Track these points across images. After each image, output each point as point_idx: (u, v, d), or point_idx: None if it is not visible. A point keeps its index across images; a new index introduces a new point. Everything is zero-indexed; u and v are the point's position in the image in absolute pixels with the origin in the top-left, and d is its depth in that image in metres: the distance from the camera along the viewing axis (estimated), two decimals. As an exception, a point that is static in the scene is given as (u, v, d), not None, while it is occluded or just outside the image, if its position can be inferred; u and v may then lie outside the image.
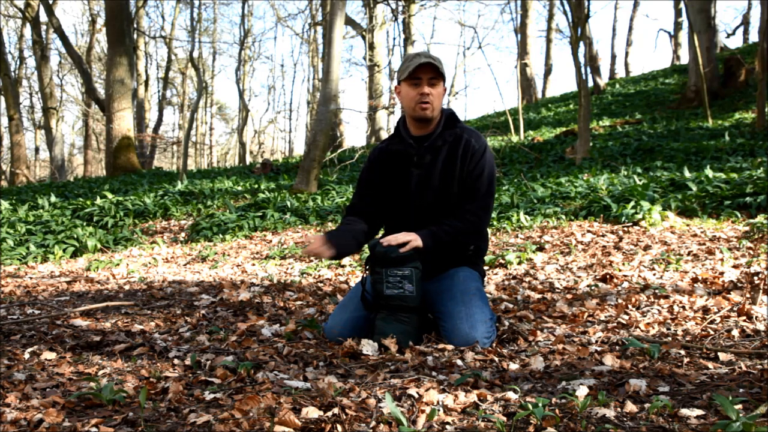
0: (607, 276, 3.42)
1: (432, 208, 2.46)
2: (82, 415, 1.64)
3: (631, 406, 1.56)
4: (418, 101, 2.38)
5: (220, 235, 6.60)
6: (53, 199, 9.40)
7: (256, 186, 10.02)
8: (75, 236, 6.57)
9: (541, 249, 4.51)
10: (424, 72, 2.37)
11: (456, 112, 2.54)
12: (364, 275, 2.45)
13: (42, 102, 22.17)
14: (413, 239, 2.32)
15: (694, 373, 1.84)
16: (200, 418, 1.56)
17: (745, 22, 26.01)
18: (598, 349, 2.15)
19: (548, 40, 25.74)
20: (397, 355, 2.17)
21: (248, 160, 22.85)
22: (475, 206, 2.42)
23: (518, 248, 4.54)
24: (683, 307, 2.65)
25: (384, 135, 18.69)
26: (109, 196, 9.28)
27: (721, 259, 3.63)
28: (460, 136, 2.45)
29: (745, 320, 2.39)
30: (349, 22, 18.81)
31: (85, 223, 7.70)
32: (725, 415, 1.42)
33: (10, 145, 20.19)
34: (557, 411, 1.55)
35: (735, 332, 2.25)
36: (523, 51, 21.51)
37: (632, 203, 5.36)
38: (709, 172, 6.55)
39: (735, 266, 3.42)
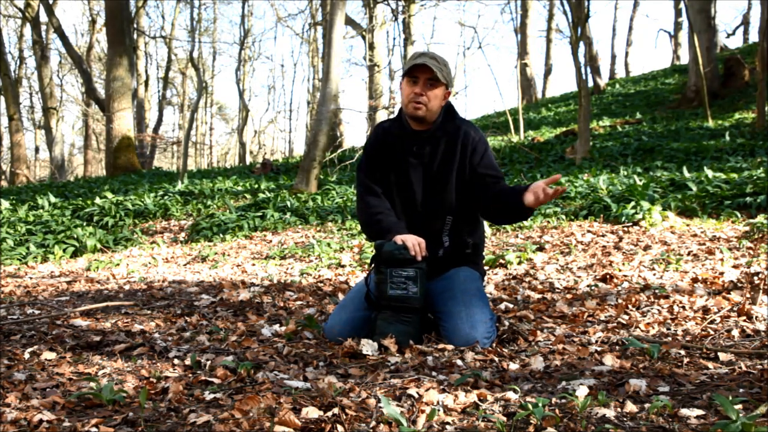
0: (607, 276, 3.42)
1: (431, 197, 2.47)
2: (82, 415, 1.64)
3: (631, 406, 1.56)
4: (412, 99, 2.39)
5: (220, 235, 6.60)
6: (53, 199, 9.40)
7: (256, 186, 10.01)
8: (75, 236, 6.56)
9: (541, 249, 4.51)
10: (421, 72, 2.37)
11: (454, 106, 2.55)
12: (369, 273, 2.44)
13: (42, 102, 22.15)
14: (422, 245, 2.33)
15: (694, 373, 1.84)
16: (200, 418, 1.56)
17: (745, 22, 26.02)
18: (598, 349, 2.15)
19: (548, 40, 25.73)
20: (397, 355, 2.17)
21: (248, 160, 22.83)
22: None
23: (518, 248, 4.54)
24: (683, 307, 2.65)
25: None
26: (109, 196, 9.28)
27: (721, 259, 3.62)
28: (459, 127, 2.46)
29: (745, 320, 2.39)
30: (349, 22, 18.80)
31: (85, 223, 7.70)
32: (725, 415, 1.42)
33: (10, 145, 20.18)
34: (557, 411, 1.55)
35: (735, 332, 2.25)
36: (523, 51, 21.50)
37: (632, 203, 5.36)
38: (709, 172, 6.55)
39: (735, 266, 3.42)
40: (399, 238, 2.32)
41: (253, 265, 4.99)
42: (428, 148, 2.46)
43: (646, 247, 4.20)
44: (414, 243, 2.30)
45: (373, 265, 2.36)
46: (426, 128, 2.47)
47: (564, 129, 14.10)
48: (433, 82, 2.38)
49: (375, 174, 2.54)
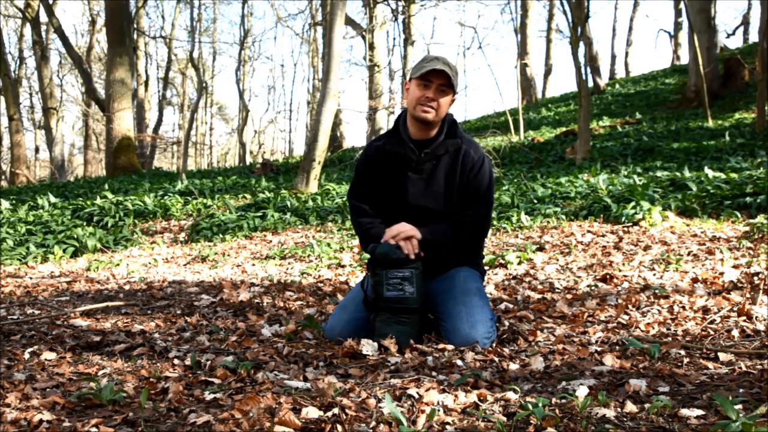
0: (607, 276, 3.42)
1: (432, 214, 2.46)
2: (82, 415, 1.64)
3: (631, 406, 1.56)
4: (421, 102, 2.38)
5: (220, 236, 6.60)
6: (53, 199, 9.40)
7: (256, 186, 10.02)
8: (75, 236, 6.56)
9: (541, 249, 4.51)
10: (436, 77, 2.35)
11: (456, 118, 2.54)
12: (365, 277, 2.44)
13: (42, 102, 22.17)
14: (412, 234, 2.33)
15: (694, 373, 1.84)
16: (200, 419, 1.56)
17: (745, 22, 25.99)
18: (598, 349, 2.15)
19: (548, 40, 25.73)
20: (397, 355, 2.17)
21: (248, 160, 22.84)
22: (475, 212, 2.43)
23: (518, 248, 4.54)
24: (683, 307, 2.65)
25: (384, 135, 18.53)
26: (109, 196, 9.28)
27: (721, 260, 3.63)
28: (460, 146, 2.44)
29: (745, 320, 2.39)
30: (349, 22, 18.80)
31: (85, 223, 7.69)
32: (725, 415, 1.42)
33: (10, 145, 20.19)
34: (557, 411, 1.55)
35: (735, 332, 2.25)
36: (523, 51, 21.50)
37: (632, 203, 5.36)
38: (709, 172, 6.55)
39: (735, 266, 3.42)
40: (390, 235, 2.33)
41: (253, 265, 4.99)
42: (428, 165, 2.45)
43: (646, 247, 4.20)
44: (406, 243, 2.31)
45: (369, 269, 2.36)
46: (428, 136, 2.46)
47: (564, 129, 14.10)
48: (445, 88, 2.37)
49: (366, 195, 2.54)
